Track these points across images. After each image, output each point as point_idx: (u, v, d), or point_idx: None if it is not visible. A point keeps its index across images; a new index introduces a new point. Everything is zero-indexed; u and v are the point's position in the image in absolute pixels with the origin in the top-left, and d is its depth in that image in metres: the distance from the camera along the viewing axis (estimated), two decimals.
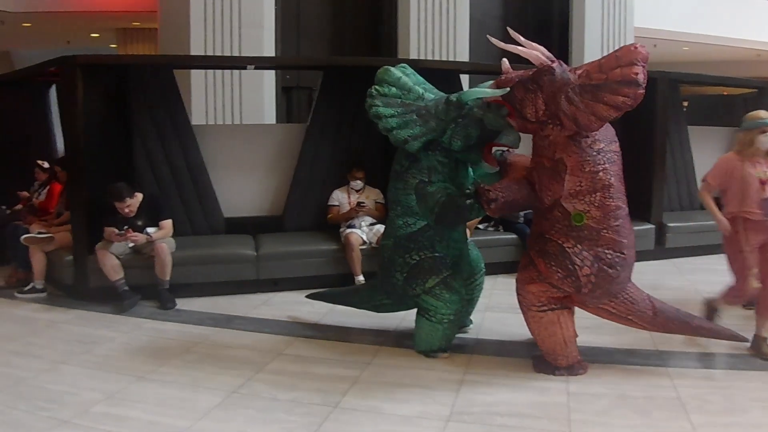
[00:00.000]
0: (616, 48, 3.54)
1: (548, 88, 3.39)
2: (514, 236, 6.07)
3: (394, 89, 3.80)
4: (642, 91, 3.23)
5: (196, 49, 7.39)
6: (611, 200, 3.45)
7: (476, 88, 3.76)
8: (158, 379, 3.67)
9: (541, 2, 9.45)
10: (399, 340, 4.34)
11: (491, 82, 3.75)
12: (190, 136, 5.80)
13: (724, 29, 12.38)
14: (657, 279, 5.76)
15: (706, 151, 7.65)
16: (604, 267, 3.46)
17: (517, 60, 3.62)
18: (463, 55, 8.54)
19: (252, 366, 3.85)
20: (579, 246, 3.46)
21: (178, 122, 5.76)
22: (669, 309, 3.67)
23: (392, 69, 3.87)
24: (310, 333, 4.48)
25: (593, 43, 8.92)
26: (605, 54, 8.50)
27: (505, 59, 3.70)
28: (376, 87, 3.82)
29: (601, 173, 3.42)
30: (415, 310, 4.11)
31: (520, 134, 3.71)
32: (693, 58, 13.19)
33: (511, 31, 3.57)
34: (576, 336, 3.77)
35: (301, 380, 3.66)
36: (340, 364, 3.91)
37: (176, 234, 5.37)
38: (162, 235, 5.16)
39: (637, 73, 3.16)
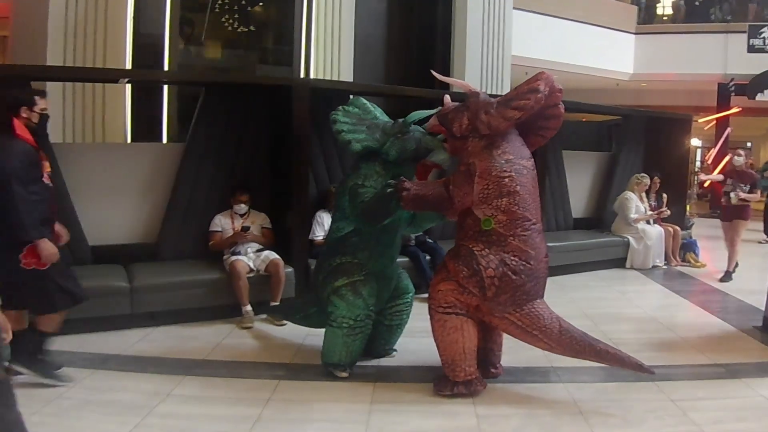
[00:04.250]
0: (495, 75, 4.10)
1: (473, 107, 3.82)
2: (406, 259, 5.90)
3: (357, 109, 4.25)
4: (541, 95, 3.65)
5: (53, 60, 6.66)
6: (517, 207, 3.66)
7: (419, 111, 4.22)
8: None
9: (424, 31, 9.75)
10: (296, 372, 4.14)
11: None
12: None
13: (588, 60, 13.75)
14: None
15: (578, 174, 8.44)
16: (508, 272, 3.61)
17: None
18: (347, 75, 8.56)
19: (138, 411, 3.45)
20: (487, 250, 3.66)
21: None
22: (575, 331, 3.71)
23: (361, 98, 4.36)
24: (199, 370, 4.12)
25: (473, 71, 9.30)
26: (484, 82, 9.06)
27: (447, 95, 4.18)
28: (343, 106, 4.28)
29: (506, 179, 3.68)
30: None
31: (451, 157, 4.01)
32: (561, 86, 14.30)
33: (438, 75, 4.44)
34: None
35: (198, 423, 3.35)
36: (238, 403, 3.64)
37: None
38: None
39: (538, 83, 3.67)
